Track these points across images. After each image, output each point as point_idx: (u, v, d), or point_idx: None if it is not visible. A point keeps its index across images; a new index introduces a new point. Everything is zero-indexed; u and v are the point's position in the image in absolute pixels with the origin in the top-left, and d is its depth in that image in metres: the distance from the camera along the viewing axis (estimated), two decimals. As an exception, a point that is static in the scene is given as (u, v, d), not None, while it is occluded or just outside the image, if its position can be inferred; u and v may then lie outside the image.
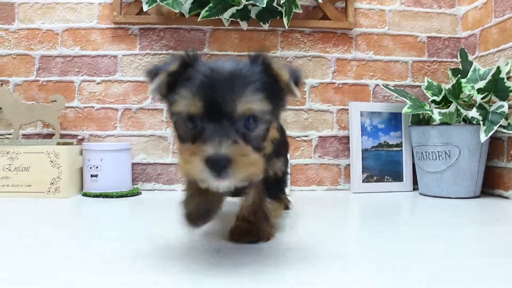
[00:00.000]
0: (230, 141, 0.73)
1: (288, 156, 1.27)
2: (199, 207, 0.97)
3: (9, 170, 1.83)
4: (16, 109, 1.89)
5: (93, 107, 2.07)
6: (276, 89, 0.83)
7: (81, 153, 1.94)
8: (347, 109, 2.12)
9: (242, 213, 1.06)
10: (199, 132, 0.76)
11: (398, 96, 1.98)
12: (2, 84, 2.00)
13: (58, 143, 1.86)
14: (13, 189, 1.82)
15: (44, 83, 2.07)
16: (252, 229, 1.02)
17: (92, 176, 1.87)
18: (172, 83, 0.81)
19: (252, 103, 0.77)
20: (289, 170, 1.28)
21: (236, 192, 0.96)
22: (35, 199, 1.78)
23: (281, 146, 1.08)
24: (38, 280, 0.76)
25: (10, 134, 2.04)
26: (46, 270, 0.83)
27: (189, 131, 0.79)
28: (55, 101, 1.93)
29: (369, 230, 1.27)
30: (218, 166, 0.71)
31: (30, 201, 1.73)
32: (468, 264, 0.87)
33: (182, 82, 0.79)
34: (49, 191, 1.82)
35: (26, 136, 2.05)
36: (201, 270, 0.82)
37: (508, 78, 1.79)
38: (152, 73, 0.83)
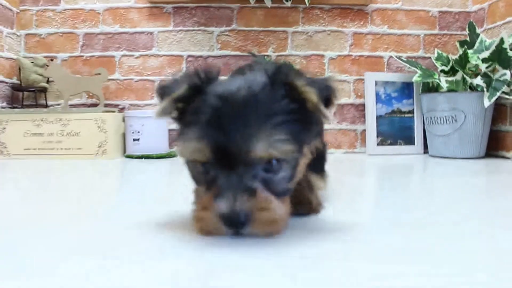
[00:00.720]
0: (247, 193, 0.61)
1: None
2: None
3: (62, 135, 2.07)
4: (66, 81, 2.12)
5: (132, 79, 2.29)
6: (304, 114, 0.67)
7: (123, 120, 2.17)
8: (363, 79, 2.31)
9: None
10: (212, 178, 0.65)
11: (410, 66, 2.16)
12: (52, 59, 2.24)
13: (105, 111, 2.09)
14: (66, 152, 2.06)
15: (88, 58, 2.29)
16: (302, 200, 0.84)
17: (134, 140, 2.10)
18: (182, 108, 0.70)
19: (272, 146, 0.62)
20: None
21: None
22: (85, 160, 2.02)
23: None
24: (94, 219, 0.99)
25: (58, 104, 2.28)
26: (99, 214, 1.05)
27: (201, 176, 0.67)
28: (100, 74, 2.16)
29: (382, 187, 1.48)
30: (234, 224, 0.62)
31: (80, 162, 1.97)
32: (477, 206, 1.08)
33: (189, 116, 0.67)
34: (97, 153, 2.06)
35: (73, 106, 2.28)
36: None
37: (511, 49, 1.95)
38: (160, 94, 0.71)
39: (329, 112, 0.66)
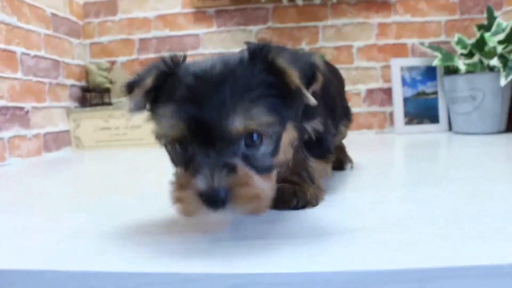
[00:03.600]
0: (226, 169, 0.58)
1: (339, 112, 1.09)
2: None
3: (126, 128, 2.41)
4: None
5: (182, 77, 2.60)
6: (284, 89, 0.65)
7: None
8: (389, 65, 2.53)
9: (282, 174, 0.80)
10: (190, 156, 0.62)
11: (432, 51, 2.37)
12: (113, 63, 2.58)
13: (162, 106, 2.41)
14: (130, 142, 2.40)
15: (143, 61, 2.62)
16: (297, 192, 0.80)
17: (188, 130, 2.41)
18: (155, 96, 0.68)
19: (249, 119, 0.60)
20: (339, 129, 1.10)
21: None
22: (147, 148, 2.34)
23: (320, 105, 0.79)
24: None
25: (120, 101, 2.62)
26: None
27: (180, 155, 0.64)
28: (155, 74, 2.47)
29: (412, 161, 1.73)
30: (214, 202, 0.57)
31: (143, 150, 2.29)
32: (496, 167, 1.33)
33: (162, 97, 0.65)
34: (156, 142, 2.38)
35: (133, 103, 2.61)
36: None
37: (526, 30, 2.14)
38: (128, 90, 0.70)
39: (310, 93, 0.64)
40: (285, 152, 0.71)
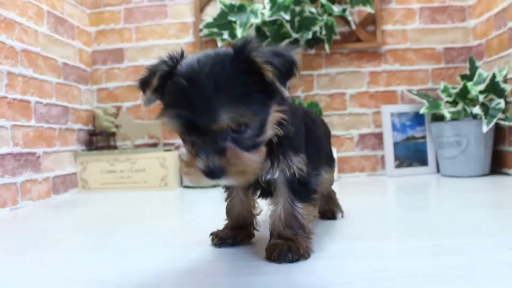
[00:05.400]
0: (218, 153, 0.75)
1: (320, 161, 1.17)
2: (234, 223, 1.10)
3: (131, 171, 2.53)
4: (132, 126, 2.60)
5: (184, 121, 2.74)
6: (266, 84, 0.77)
7: (179, 156, 2.62)
8: (380, 111, 2.68)
9: (275, 227, 0.96)
10: (193, 142, 0.79)
11: (420, 98, 2.52)
12: (119, 108, 2.72)
13: (165, 150, 2.54)
14: (135, 185, 2.52)
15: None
16: (292, 247, 0.92)
17: (189, 173, 2.53)
18: (161, 92, 0.83)
19: (234, 116, 0.75)
20: (322, 175, 1.19)
21: (264, 192, 1.03)
22: (151, 191, 2.46)
23: (299, 141, 0.97)
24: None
25: (125, 144, 2.75)
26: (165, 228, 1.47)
27: (186, 141, 0.82)
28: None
29: (403, 200, 1.86)
30: (212, 177, 0.76)
31: (147, 193, 2.41)
32: (480, 215, 1.45)
33: (166, 97, 0.81)
34: (159, 185, 2.50)
35: (136, 146, 2.74)
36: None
37: (506, 80, 2.30)
38: (141, 88, 0.86)
39: (285, 89, 0.77)
40: (270, 132, 0.84)
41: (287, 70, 0.78)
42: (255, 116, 0.77)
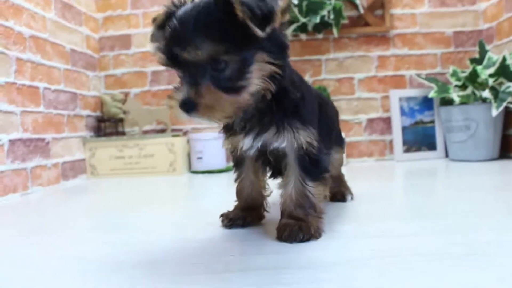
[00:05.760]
0: (194, 88, 0.80)
1: (332, 138, 1.21)
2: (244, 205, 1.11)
3: (139, 157, 2.54)
4: (140, 113, 2.60)
5: (192, 107, 2.74)
6: (244, 26, 0.78)
7: (188, 142, 2.62)
8: (389, 96, 2.67)
9: (286, 207, 0.97)
10: (180, 76, 0.85)
11: (428, 82, 2.50)
12: (127, 94, 2.73)
13: (173, 136, 2.54)
14: (143, 170, 2.53)
15: (156, 92, 2.76)
16: (303, 227, 0.93)
17: (197, 158, 2.54)
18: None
19: (207, 48, 0.79)
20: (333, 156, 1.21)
21: (275, 172, 1.07)
22: (159, 177, 2.47)
23: (309, 114, 0.97)
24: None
25: (133, 130, 2.76)
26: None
27: (177, 75, 0.87)
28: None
29: (411, 184, 1.85)
30: (186, 108, 0.80)
31: (156, 178, 2.42)
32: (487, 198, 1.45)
33: (163, 34, 0.85)
34: (168, 170, 2.51)
35: (146, 132, 2.75)
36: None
37: (516, 64, 2.28)
38: (152, 23, 0.92)
39: (259, 28, 0.77)
40: (256, 82, 0.85)
41: (264, 13, 0.78)
42: (230, 54, 0.80)
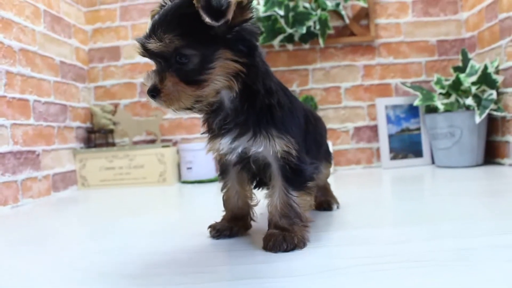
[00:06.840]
0: (160, 77, 0.88)
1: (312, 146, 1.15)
2: (231, 215, 1.13)
3: (130, 168, 2.56)
4: (130, 123, 2.62)
5: (182, 117, 2.77)
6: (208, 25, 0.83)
7: (177, 152, 2.65)
8: (375, 104, 2.72)
9: (273, 217, 0.99)
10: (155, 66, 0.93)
11: (414, 90, 2.56)
12: (116, 106, 2.75)
13: (163, 146, 2.57)
14: (134, 181, 2.55)
15: (145, 103, 2.79)
16: (286, 237, 0.95)
17: (187, 168, 2.56)
18: None
19: (167, 42, 0.85)
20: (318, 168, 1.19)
21: (259, 182, 1.11)
22: (150, 187, 2.49)
23: (288, 122, 0.98)
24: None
25: (123, 141, 2.78)
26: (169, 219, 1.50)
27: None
28: (156, 115, 2.65)
29: (398, 190, 1.89)
30: (152, 94, 0.89)
31: (146, 188, 2.44)
32: (473, 203, 1.48)
33: None
34: (158, 181, 2.54)
35: (135, 143, 2.77)
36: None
37: (497, 72, 2.34)
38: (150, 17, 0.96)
39: (208, 16, 0.82)
40: (222, 80, 0.90)
41: (218, 4, 0.83)
42: (192, 49, 0.86)
